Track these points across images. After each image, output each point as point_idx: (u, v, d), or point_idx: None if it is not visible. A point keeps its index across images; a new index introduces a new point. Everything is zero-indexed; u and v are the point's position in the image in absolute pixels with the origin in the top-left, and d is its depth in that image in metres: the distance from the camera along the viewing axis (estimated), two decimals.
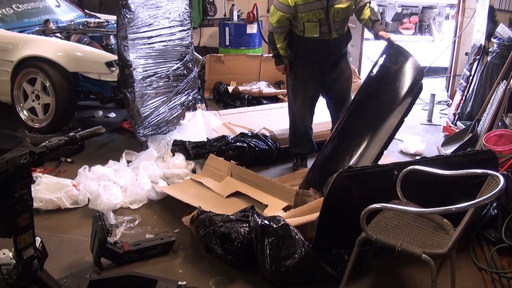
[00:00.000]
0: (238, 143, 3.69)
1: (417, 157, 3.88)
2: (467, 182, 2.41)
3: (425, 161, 2.56)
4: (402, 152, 4.21)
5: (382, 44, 3.44)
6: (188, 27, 4.41)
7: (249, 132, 3.93)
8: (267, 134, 3.97)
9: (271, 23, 3.35)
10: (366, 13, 3.35)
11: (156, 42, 3.93)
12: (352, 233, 2.18)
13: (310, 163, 3.87)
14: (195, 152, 3.63)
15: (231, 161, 3.38)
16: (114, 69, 3.78)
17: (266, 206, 2.91)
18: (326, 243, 2.45)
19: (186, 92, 4.42)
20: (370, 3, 3.39)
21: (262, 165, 3.67)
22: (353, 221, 2.08)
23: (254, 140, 3.78)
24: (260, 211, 2.77)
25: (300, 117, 3.60)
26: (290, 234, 2.37)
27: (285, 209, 2.87)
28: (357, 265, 2.21)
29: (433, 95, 5.17)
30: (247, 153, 3.65)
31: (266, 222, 2.40)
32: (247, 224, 2.46)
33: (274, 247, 2.32)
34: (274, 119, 4.43)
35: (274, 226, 2.38)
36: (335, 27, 3.30)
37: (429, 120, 5.15)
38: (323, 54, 3.40)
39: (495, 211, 2.71)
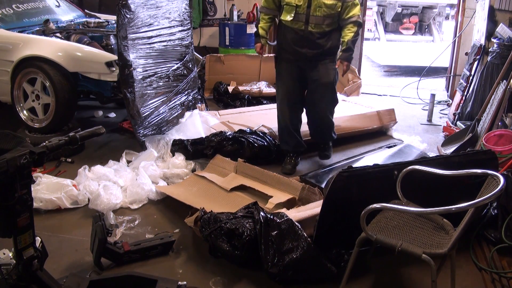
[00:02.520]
0: (236, 138, 3.69)
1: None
2: (467, 182, 2.41)
3: (425, 161, 2.56)
4: None
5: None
6: (188, 27, 4.41)
7: (248, 129, 3.93)
8: (266, 131, 3.97)
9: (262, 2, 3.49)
10: (348, 35, 3.29)
11: (156, 42, 3.93)
12: (352, 233, 2.18)
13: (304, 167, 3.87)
14: (194, 148, 3.62)
15: (239, 159, 3.39)
16: (114, 69, 3.78)
17: (271, 198, 2.92)
18: (326, 243, 2.45)
19: (186, 92, 4.42)
20: (358, 26, 3.32)
21: (261, 164, 3.66)
22: (353, 221, 2.08)
23: (253, 136, 3.77)
24: (263, 205, 2.79)
25: (281, 111, 3.66)
26: (293, 229, 2.40)
27: (290, 202, 2.88)
28: (357, 265, 2.21)
29: (433, 95, 5.17)
30: (246, 148, 3.63)
31: (270, 216, 2.44)
32: (252, 220, 2.47)
33: (277, 240, 2.34)
34: (273, 119, 4.40)
35: (278, 220, 2.41)
36: (314, 20, 3.26)
37: (429, 120, 5.15)
38: (297, 46, 3.36)
39: (495, 211, 2.71)
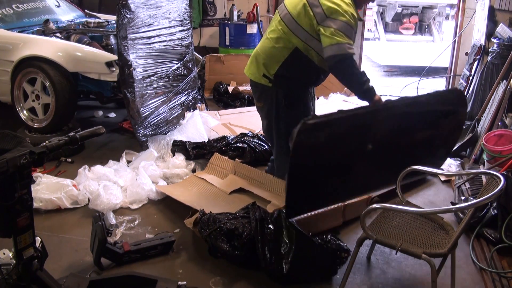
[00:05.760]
0: (238, 144, 3.69)
1: None
2: (435, 119, 2.36)
3: (393, 102, 2.53)
4: None
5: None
6: (188, 27, 4.41)
7: (249, 133, 3.93)
8: None
9: (344, 42, 2.46)
10: None
11: (156, 42, 3.93)
12: (325, 189, 2.07)
13: None
14: (196, 152, 3.63)
15: (236, 159, 3.38)
16: (114, 69, 3.78)
17: (269, 202, 2.91)
18: (299, 206, 2.30)
19: (186, 92, 4.42)
20: None
21: (262, 165, 3.66)
22: (326, 176, 1.97)
23: (254, 140, 3.78)
24: (263, 207, 2.78)
25: None
26: (289, 224, 2.39)
27: None
28: (357, 265, 2.21)
29: None
30: (247, 153, 3.65)
31: (265, 214, 2.44)
32: (248, 220, 2.47)
33: (274, 238, 2.34)
34: None
35: (273, 217, 2.41)
36: None
37: None
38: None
39: (495, 211, 2.71)
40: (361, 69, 2.54)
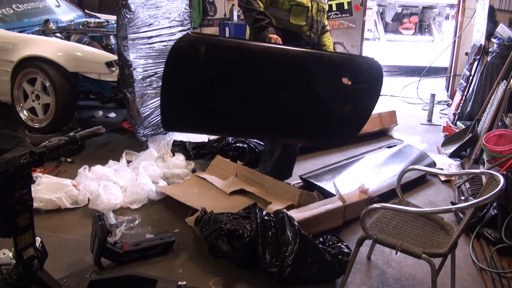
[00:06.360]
0: (238, 144, 3.69)
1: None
2: (342, 83, 2.26)
3: (287, 48, 2.42)
4: None
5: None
6: (188, 27, 4.42)
7: None
8: None
9: None
10: (331, 44, 3.16)
11: (156, 42, 3.93)
12: (205, 110, 2.05)
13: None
14: (196, 152, 3.63)
15: (238, 161, 3.38)
16: (114, 69, 3.78)
17: (270, 203, 2.91)
18: (175, 118, 2.22)
19: None
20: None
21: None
22: (205, 96, 1.94)
23: (254, 140, 3.78)
24: (263, 208, 2.77)
25: None
26: (290, 226, 2.39)
27: (288, 208, 2.87)
28: (357, 265, 2.21)
29: (433, 95, 5.18)
30: (247, 154, 3.65)
31: (266, 215, 2.43)
32: (249, 221, 2.47)
33: (274, 240, 2.33)
34: None
35: (274, 219, 2.41)
36: (316, 26, 2.94)
37: (429, 120, 5.15)
38: None
39: (495, 211, 2.71)
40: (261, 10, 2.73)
